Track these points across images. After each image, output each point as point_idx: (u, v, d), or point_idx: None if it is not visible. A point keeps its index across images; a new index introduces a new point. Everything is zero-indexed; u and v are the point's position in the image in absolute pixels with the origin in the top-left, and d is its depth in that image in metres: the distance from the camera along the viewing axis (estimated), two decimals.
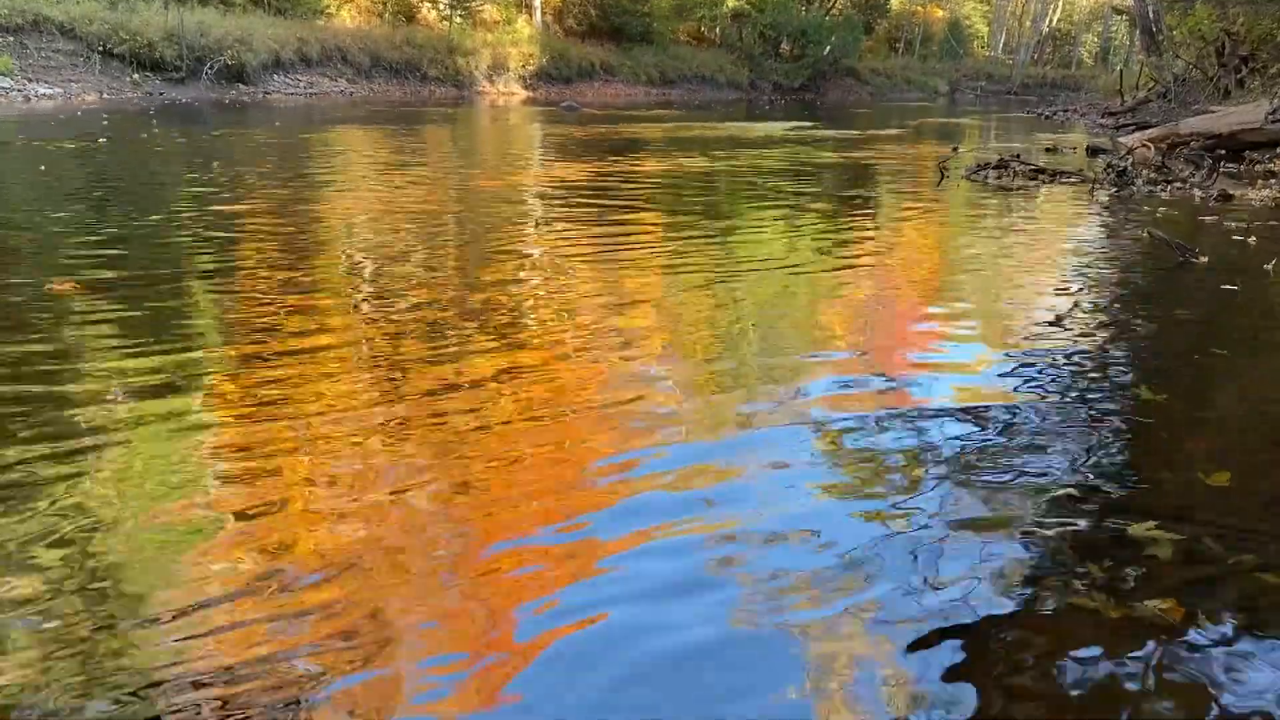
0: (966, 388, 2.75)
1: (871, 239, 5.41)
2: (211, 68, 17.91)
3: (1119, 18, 36.23)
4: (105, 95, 15.93)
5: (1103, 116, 18.40)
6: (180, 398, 2.46)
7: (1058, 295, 3.98)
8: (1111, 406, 2.61)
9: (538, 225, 5.48)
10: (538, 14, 26.85)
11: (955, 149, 11.41)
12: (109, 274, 3.81)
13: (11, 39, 15.87)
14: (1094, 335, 3.37)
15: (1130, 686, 1.42)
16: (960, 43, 40.89)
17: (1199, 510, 2.00)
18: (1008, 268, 4.65)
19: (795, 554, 1.76)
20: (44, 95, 15.10)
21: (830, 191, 7.86)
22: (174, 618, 1.51)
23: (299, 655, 1.43)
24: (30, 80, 15.44)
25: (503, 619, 1.55)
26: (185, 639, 1.46)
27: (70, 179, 6.75)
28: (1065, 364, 2.98)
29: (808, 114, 19.84)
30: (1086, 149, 11.24)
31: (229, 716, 1.30)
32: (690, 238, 5.22)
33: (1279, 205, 6.67)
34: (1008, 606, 1.61)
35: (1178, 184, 7.81)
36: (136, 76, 17.04)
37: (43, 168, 7.35)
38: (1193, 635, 1.54)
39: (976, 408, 2.56)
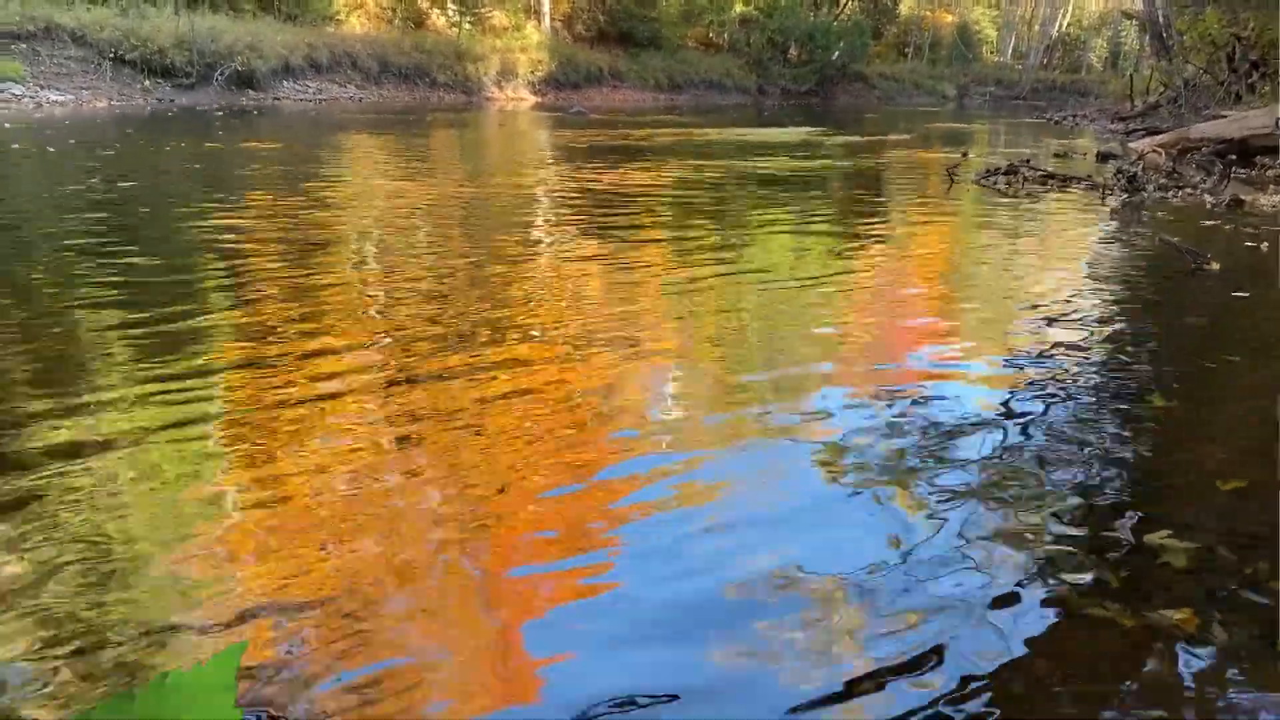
0: (977, 395, 2.74)
1: (881, 245, 5.40)
2: (222, 74, 18.00)
3: (1128, 22, 36.05)
4: (115, 102, 16.02)
5: (1113, 121, 18.34)
6: (188, 395, 2.48)
7: (1068, 302, 3.97)
8: (1124, 413, 2.59)
9: (545, 236, 5.48)
10: (546, 20, 26.91)
11: (965, 154, 11.38)
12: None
13: (24, 45, 15.98)
14: (1105, 342, 3.36)
15: (1146, 696, 1.41)
16: (969, 47, 40.76)
17: (1213, 518, 1.99)
18: (1018, 274, 4.64)
19: (796, 573, 1.76)
20: (55, 101, 15.19)
21: (839, 197, 7.85)
22: (183, 597, 1.52)
23: (299, 648, 1.44)
24: (42, 87, 15.54)
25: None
26: (191, 620, 1.47)
27: None
28: (1077, 371, 2.97)
29: (816, 119, 19.82)
30: (1096, 154, 11.20)
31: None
32: (698, 243, 5.22)
33: None
34: (1021, 616, 1.60)
35: (1188, 189, 7.78)
36: (147, 83, 17.12)
37: None
38: (1208, 645, 1.53)
39: (988, 415, 2.56)
